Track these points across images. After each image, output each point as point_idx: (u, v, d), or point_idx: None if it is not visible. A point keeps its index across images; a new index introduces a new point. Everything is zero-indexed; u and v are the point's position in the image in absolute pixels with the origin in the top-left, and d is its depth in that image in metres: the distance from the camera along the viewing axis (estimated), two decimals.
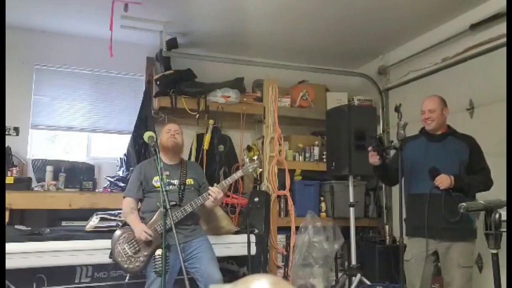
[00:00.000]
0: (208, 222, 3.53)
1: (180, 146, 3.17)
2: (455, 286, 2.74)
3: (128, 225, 2.96)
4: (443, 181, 2.72)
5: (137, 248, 2.85)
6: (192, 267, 2.90)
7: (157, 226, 2.84)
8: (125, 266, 2.83)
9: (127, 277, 3.13)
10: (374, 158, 2.92)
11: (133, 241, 2.86)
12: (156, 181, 2.98)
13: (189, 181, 3.10)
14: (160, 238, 2.72)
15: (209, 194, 2.95)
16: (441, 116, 2.91)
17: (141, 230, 2.81)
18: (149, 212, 2.97)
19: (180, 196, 3.00)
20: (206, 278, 2.86)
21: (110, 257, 2.89)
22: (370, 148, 2.92)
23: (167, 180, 2.94)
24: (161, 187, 2.47)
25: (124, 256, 2.84)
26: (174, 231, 2.42)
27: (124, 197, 3.07)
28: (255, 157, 3.28)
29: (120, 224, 3.23)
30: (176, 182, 3.05)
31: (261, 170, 3.74)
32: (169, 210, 2.45)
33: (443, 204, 2.71)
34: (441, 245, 2.80)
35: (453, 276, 2.75)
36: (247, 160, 3.25)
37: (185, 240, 2.91)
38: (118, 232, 2.93)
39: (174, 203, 2.86)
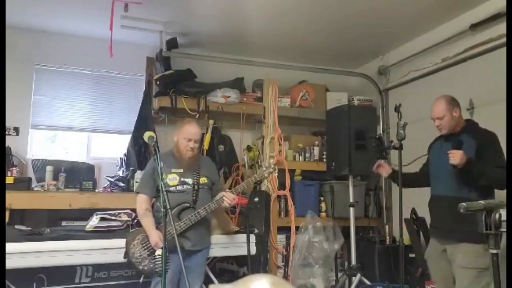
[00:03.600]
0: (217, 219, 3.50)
1: (196, 156, 3.07)
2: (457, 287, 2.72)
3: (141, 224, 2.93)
4: (455, 155, 2.56)
5: (151, 250, 2.82)
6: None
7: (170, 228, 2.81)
8: (140, 267, 2.83)
9: (127, 277, 3.13)
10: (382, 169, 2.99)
11: (147, 243, 2.85)
12: (171, 179, 2.92)
13: (203, 180, 3.03)
14: (173, 239, 2.71)
15: (222, 200, 2.92)
16: (452, 120, 2.79)
17: (156, 240, 2.76)
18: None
19: (194, 197, 2.94)
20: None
21: (125, 257, 2.87)
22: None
23: (182, 179, 2.92)
24: (161, 188, 2.40)
25: (139, 257, 2.83)
26: (176, 239, 2.34)
27: (137, 193, 3.01)
28: (271, 161, 3.24)
29: (121, 224, 3.22)
30: (190, 181, 2.97)
31: (276, 173, 3.62)
32: (169, 214, 2.39)
33: (453, 206, 2.65)
34: (449, 247, 2.77)
35: (457, 277, 2.73)
36: (263, 163, 3.20)
37: (191, 248, 2.89)
38: (132, 233, 2.93)
39: (187, 205, 2.86)
